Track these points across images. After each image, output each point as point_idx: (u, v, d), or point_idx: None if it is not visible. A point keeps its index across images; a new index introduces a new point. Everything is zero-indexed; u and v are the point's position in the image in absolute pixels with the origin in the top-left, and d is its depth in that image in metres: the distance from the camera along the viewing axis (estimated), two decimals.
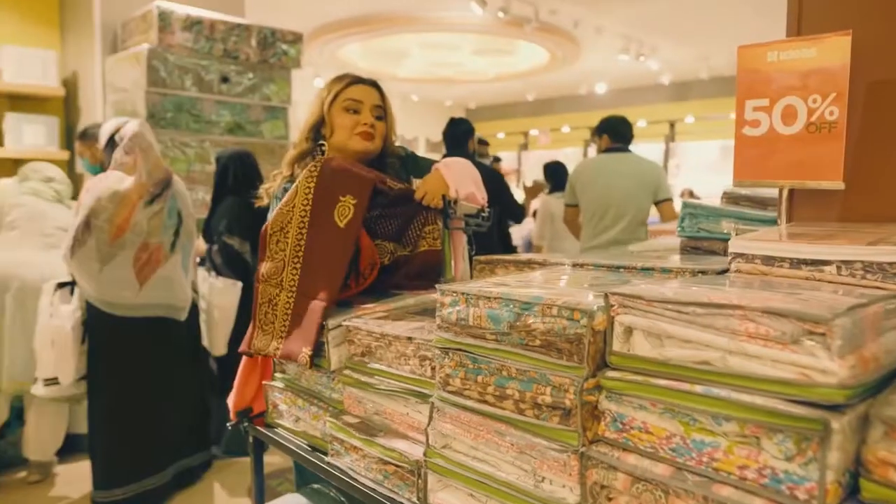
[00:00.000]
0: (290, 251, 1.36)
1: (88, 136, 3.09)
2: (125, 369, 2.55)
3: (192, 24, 3.34)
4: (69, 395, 2.57)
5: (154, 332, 2.56)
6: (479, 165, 2.71)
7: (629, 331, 0.79)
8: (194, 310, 2.77)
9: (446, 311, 0.94)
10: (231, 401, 1.44)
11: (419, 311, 1.23)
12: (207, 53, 3.40)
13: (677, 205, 3.69)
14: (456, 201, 1.43)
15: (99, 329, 2.51)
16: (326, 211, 1.36)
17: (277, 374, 1.39)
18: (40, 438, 2.83)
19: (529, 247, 4.95)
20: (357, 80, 1.62)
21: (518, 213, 3.87)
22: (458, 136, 3.69)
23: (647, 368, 0.76)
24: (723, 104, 8.33)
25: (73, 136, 4.01)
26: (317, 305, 1.27)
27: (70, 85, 4.01)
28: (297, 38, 3.75)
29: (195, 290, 2.80)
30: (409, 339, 1.05)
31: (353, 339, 1.17)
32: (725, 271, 1.05)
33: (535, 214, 5.26)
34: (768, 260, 0.99)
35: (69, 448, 3.00)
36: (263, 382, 1.39)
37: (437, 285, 0.95)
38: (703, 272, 1.05)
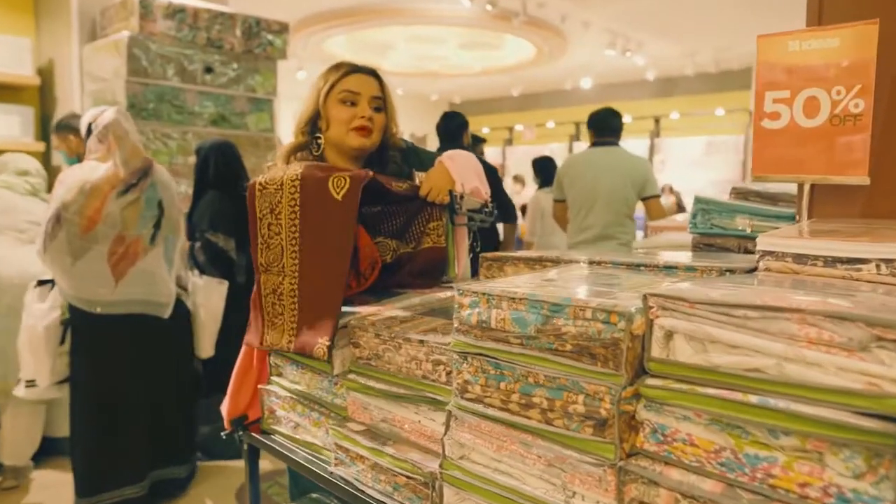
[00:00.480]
0: (285, 234, 1.24)
1: (63, 127, 2.98)
2: (104, 370, 2.43)
3: (175, 12, 3.23)
4: (49, 398, 2.48)
5: (133, 330, 2.43)
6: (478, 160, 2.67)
7: (669, 335, 0.74)
8: (180, 308, 2.61)
9: (465, 313, 0.87)
10: (225, 408, 1.37)
11: (426, 311, 1.17)
12: (190, 42, 3.30)
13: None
14: (462, 196, 1.37)
15: (78, 328, 2.40)
16: (319, 185, 1.22)
17: (274, 378, 1.31)
18: (16, 441, 2.71)
19: (519, 244, 4.90)
20: (354, 70, 1.54)
21: (511, 212, 3.79)
22: (453, 130, 3.62)
23: (692, 376, 0.70)
24: (708, 100, 8.37)
25: (50, 127, 3.88)
26: (328, 290, 1.17)
27: (46, 74, 3.87)
28: (283, 28, 3.65)
29: (182, 287, 2.65)
30: (422, 342, 0.99)
31: (358, 342, 1.11)
32: (753, 270, 1.00)
33: (524, 210, 5.22)
34: (800, 258, 0.94)
35: (46, 452, 2.89)
36: (259, 387, 1.32)
37: (455, 286, 0.89)
38: (731, 270, 1.00)
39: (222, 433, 1.34)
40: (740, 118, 7.80)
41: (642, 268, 1.09)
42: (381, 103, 1.54)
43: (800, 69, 1.17)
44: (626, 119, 8.38)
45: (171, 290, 2.49)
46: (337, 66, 1.54)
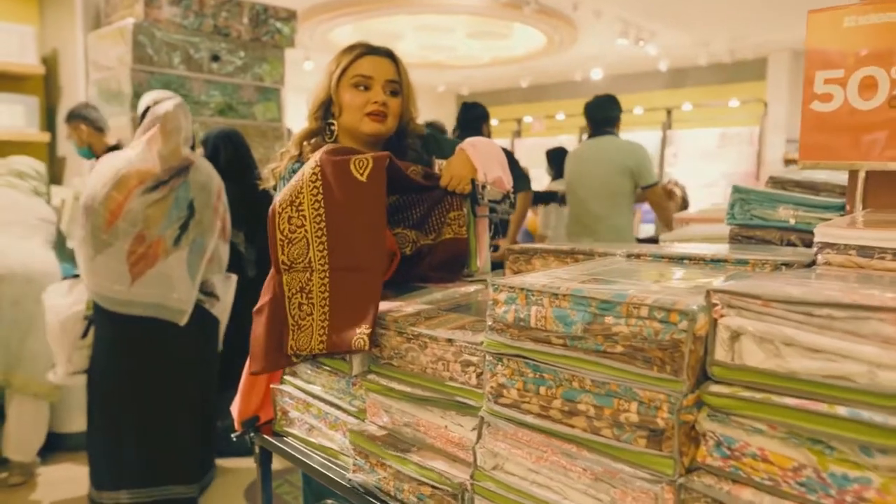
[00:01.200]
0: (310, 225, 1.13)
1: (75, 116, 2.92)
2: (116, 369, 2.34)
3: None
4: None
5: (148, 334, 2.30)
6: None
7: (735, 336, 0.66)
8: (204, 317, 2.41)
9: (500, 311, 0.79)
10: (235, 408, 1.29)
11: (451, 306, 1.09)
12: (197, 30, 3.22)
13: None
14: (485, 186, 1.29)
15: (98, 324, 2.36)
16: (340, 169, 1.14)
17: (287, 377, 1.24)
18: (21, 435, 2.65)
19: (528, 237, 4.81)
20: (368, 51, 1.45)
21: (526, 180, 3.62)
22: (472, 121, 3.52)
23: (764, 383, 0.62)
24: (721, 91, 8.21)
25: (55, 116, 3.81)
26: (365, 277, 1.08)
27: (50, 63, 3.80)
28: (290, 16, 3.57)
29: (210, 293, 2.44)
30: (450, 340, 0.91)
31: (378, 340, 1.03)
32: (812, 263, 0.91)
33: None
34: (866, 251, 0.86)
35: (52, 447, 2.84)
36: (271, 386, 1.25)
37: (489, 280, 0.81)
38: (787, 264, 0.92)
39: (233, 435, 1.27)
40: (755, 109, 7.65)
41: (685, 261, 1.01)
42: (398, 87, 1.45)
43: (856, 46, 1.08)
44: (638, 111, 8.30)
45: (188, 297, 2.31)
46: (350, 48, 1.46)
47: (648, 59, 8.06)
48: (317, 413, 1.15)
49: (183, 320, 2.29)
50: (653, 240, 3.92)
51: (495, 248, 2.73)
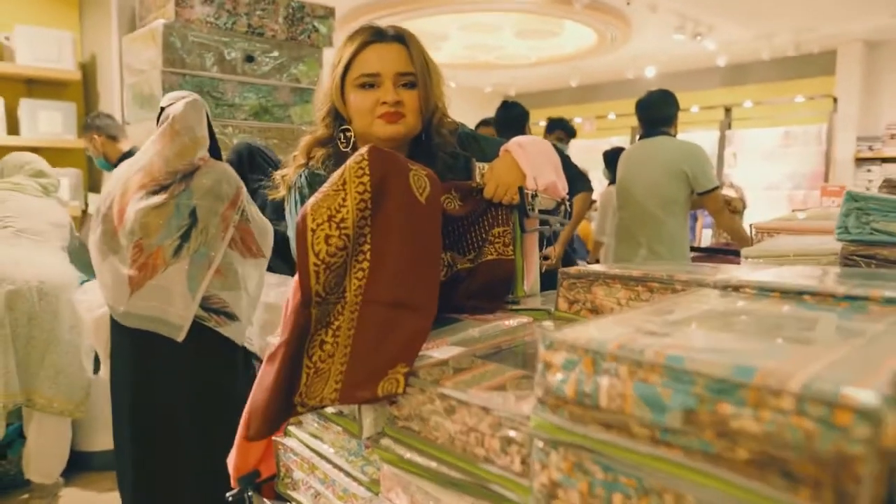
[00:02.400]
0: (352, 246, 0.90)
1: (88, 127, 2.84)
2: (118, 381, 2.19)
3: None
4: None
5: (143, 350, 2.11)
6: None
7: None
8: (206, 338, 2.13)
9: (555, 379, 0.56)
10: (231, 461, 1.09)
11: (490, 351, 0.85)
12: (230, 29, 3.07)
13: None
14: (535, 195, 1.05)
15: (112, 330, 2.21)
16: (398, 181, 0.92)
17: (292, 428, 1.03)
18: (42, 456, 2.54)
19: (581, 248, 4.51)
20: (372, 39, 1.21)
21: (585, 180, 3.35)
22: (512, 120, 3.28)
23: None
24: (785, 87, 7.72)
25: None
26: (406, 317, 0.86)
27: (89, 68, 3.75)
28: (328, 13, 3.40)
29: (219, 310, 2.16)
30: (486, 409, 0.68)
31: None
32: None
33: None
34: None
35: (77, 467, 2.72)
36: (273, 438, 1.04)
37: (539, 330, 0.58)
38: None
39: (228, 494, 1.06)
40: (823, 105, 7.14)
41: (806, 296, 0.75)
42: (413, 78, 1.22)
43: None
44: (694, 109, 7.87)
45: (187, 313, 2.09)
46: (352, 37, 1.23)
47: (706, 54, 7.63)
48: (323, 478, 0.93)
49: (180, 336, 2.08)
50: (713, 250, 3.58)
51: (545, 257, 2.47)
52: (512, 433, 0.65)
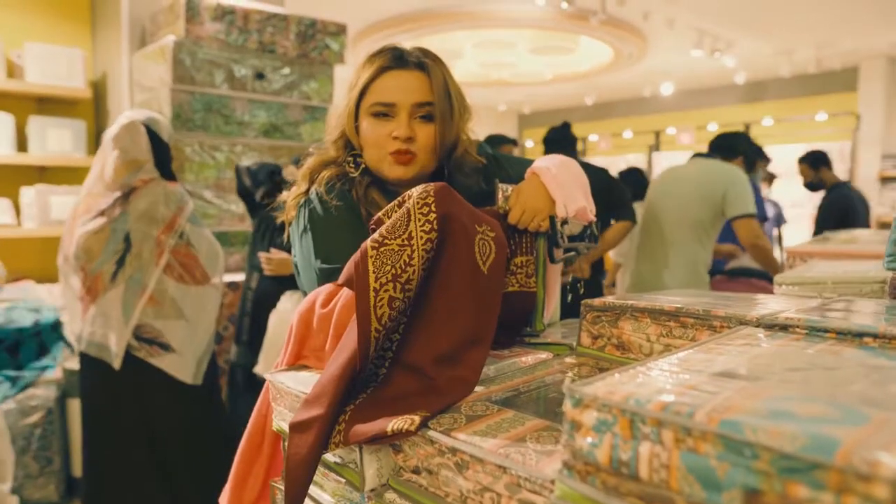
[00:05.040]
0: (409, 309, 0.82)
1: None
2: (84, 408, 2.15)
3: (224, 14, 2.98)
4: None
5: (95, 377, 2.07)
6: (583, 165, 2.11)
7: None
8: (140, 369, 2.03)
9: (584, 442, 0.47)
10: (224, 500, 1.01)
11: (506, 395, 0.76)
12: (241, 46, 3.04)
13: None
14: (565, 221, 0.97)
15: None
16: (463, 245, 0.83)
17: None
18: None
19: (599, 268, 4.40)
20: (392, 65, 1.12)
21: (628, 206, 3.18)
22: (564, 141, 3.20)
23: None
24: (806, 104, 7.60)
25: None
26: (444, 385, 0.76)
27: (99, 86, 3.73)
28: (340, 30, 3.36)
29: (152, 340, 2.05)
30: (502, 467, 0.59)
31: (399, 444, 0.72)
32: None
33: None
34: None
35: (71, 493, 2.65)
36: (272, 483, 0.95)
37: (566, 387, 0.49)
38: None
39: None
40: (846, 123, 7.02)
41: (865, 338, 0.66)
42: (432, 110, 1.11)
43: None
44: (712, 127, 7.77)
45: (122, 341, 2.01)
46: (371, 59, 1.14)
47: (724, 71, 7.55)
48: None
49: (116, 363, 2.01)
50: (738, 272, 3.45)
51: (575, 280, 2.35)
52: (532, 497, 0.57)
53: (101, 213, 2.03)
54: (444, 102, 1.11)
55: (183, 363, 2.08)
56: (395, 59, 1.12)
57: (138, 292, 2.01)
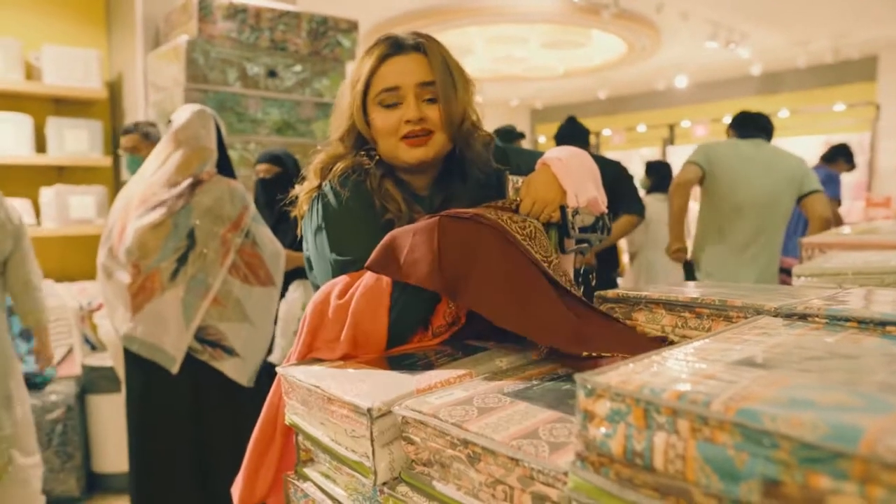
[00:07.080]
0: None
1: (136, 130, 2.78)
2: (131, 410, 2.06)
3: (236, 12, 2.99)
4: None
5: (146, 379, 1.97)
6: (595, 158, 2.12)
7: None
8: (201, 373, 1.96)
9: (598, 433, 0.46)
10: (236, 492, 1.01)
11: (518, 387, 0.76)
12: (253, 45, 3.05)
13: None
14: (577, 212, 0.96)
15: (124, 352, 2.13)
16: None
17: (304, 468, 0.94)
18: None
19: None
20: (391, 51, 1.12)
21: (637, 200, 3.14)
22: (577, 135, 3.17)
23: None
24: (823, 95, 7.48)
25: (118, 141, 3.76)
26: None
27: (115, 86, 3.76)
28: (352, 27, 3.36)
29: (215, 343, 1.97)
30: (514, 459, 0.58)
31: (411, 436, 0.72)
32: None
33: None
34: None
35: (93, 488, 2.68)
36: (284, 476, 0.95)
37: (578, 376, 0.48)
38: None
39: None
40: (865, 113, 6.90)
41: (889, 326, 0.64)
42: (435, 89, 1.11)
43: None
44: (727, 119, 7.68)
45: (181, 343, 1.92)
46: (369, 51, 1.14)
47: (739, 62, 7.46)
48: None
49: (174, 368, 1.92)
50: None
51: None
52: (545, 489, 0.56)
53: (161, 204, 1.90)
54: (446, 77, 1.11)
55: (244, 367, 2.00)
56: (392, 46, 1.12)
57: (202, 293, 1.91)
